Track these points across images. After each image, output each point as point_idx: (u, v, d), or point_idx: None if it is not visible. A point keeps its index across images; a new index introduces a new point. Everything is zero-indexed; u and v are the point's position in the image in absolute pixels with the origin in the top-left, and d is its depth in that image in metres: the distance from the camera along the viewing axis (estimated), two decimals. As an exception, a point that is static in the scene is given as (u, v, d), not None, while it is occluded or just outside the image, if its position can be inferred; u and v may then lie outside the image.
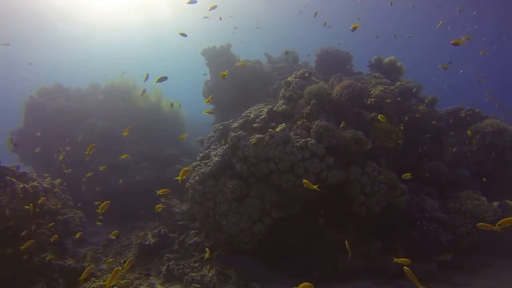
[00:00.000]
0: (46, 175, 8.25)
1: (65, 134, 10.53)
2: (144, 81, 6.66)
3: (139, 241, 7.57)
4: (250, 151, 5.88)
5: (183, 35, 7.69)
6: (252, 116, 6.50)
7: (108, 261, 7.26)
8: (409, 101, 8.74)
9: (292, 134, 5.97)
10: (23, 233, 5.49)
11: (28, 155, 10.94)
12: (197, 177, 6.63)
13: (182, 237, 7.66)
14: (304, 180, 4.91)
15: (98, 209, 5.35)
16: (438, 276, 6.26)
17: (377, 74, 9.54)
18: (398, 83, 8.79)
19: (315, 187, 4.85)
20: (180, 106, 12.97)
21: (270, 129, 5.93)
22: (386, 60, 9.46)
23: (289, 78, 7.35)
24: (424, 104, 9.42)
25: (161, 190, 5.85)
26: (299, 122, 6.23)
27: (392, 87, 8.53)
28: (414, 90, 9.00)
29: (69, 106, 11.04)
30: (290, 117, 6.63)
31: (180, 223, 8.18)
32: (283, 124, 6.05)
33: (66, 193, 7.34)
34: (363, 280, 6.24)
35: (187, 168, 6.16)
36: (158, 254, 7.40)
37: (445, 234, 6.45)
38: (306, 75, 7.05)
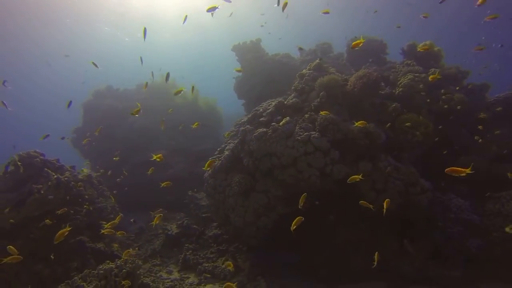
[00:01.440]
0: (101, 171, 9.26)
1: (111, 132, 11.59)
2: (166, 81, 6.94)
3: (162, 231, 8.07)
4: (254, 145, 5.91)
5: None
6: (261, 110, 6.50)
7: (136, 247, 7.89)
8: (447, 90, 7.95)
9: (297, 128, 5.85)
10: (59, 212, 6.18)
11: (86, 150, 12.28)
12: (210, 170, 6.85)
13: (202, 228, 7.98)
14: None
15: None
16: (463, 284, 5.65)
17: (409, 62, 8.83)
18: (432, 69, 8.04)
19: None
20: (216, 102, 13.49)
21: (274, 123, 5.89)
22: (420, 45, 8.67)
23: (304, 70, 7.18)
24: (467, 92, 8.52)
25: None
26: (307, 115, 6.07)
27: (423, 75, 7.84)
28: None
29: (115, 106, 12.13)
30: (300, 110, 6.49)
31: (204, 215, 8.51)
32: (287, 117, 5.96)
33: (102, 184, 8.08)
34: (376, 282, 5.90)
35: (212, 160, 6.41)
36: (180, 244, 7.82)
37: (474, 238, 5.77)
38: (317, 60, 6.79)
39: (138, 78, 15.03)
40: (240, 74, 10.98)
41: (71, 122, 12.85)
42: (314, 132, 5.64)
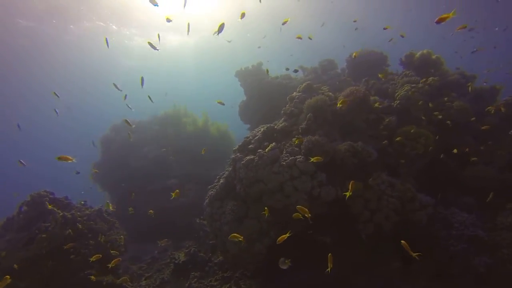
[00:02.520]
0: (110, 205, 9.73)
1: (125, 163, 12.12)
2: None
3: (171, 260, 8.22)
4: (242, 173, 6.00)
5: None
6: (250, 137, 6.61)
7: (145, 278, 8.09)
8: (449, 97, 7.68)
9: (284, 153, 5.89)
10: (66, 247, 6.54)
11: (104, 183, 12.91)
12: (207, 199, 6.98)
13: (209, 256, 8.06)
14: (298, 207, 4.77)
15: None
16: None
17: (407, 72, 8.65)
18: (430, 78, 7.82)
19: (305, 213, 4.68)
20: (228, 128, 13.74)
21: (260, 150, 5.96)
22: (417, 54, 8.50)
23: (294, 93, 7.25)
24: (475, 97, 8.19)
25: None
26: (294, 139, 6.09)
27: (420, 85, 7.65)
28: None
29: (126, 138, 12.71)
30: (289, 134, 6.53)
31: (211, 242, 8.60)
32: (273, 143, 6.01)
33: (113, 217, 8.44)
34: (378, 305, 5.65)
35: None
36: (188, 272, 7.92)
37: (480, 256, 5.41)
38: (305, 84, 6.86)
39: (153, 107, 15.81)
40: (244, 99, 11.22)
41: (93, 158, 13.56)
42: (300, 156, 5.64)
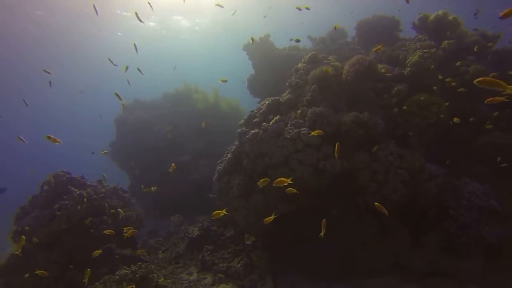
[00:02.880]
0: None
1: (140, 142, 12.36)
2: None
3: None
4: (247, 147, 6.00)
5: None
6: (255, 110, 6.55)
7: (162, 251, 8.43)
8: (465, 61, 7.28)
9: (289, 125, 5.82)
10: (86, 222, 6.87)
11: (121, 162, 13.27)
12: (216, 174, 7.06)
13: (221, 229, 8.26)
14: (277, 180, 4.74)
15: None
16: (484, 278, 5.20)
17: (421, 37, 8.22)
18: (445, 42, 7.41)
19: (288, 181, 4.65)
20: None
21: (264, 123, 5.91)
22: (431, 16, 8.01)
23: (299, 64, 7.06)
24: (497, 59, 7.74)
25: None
26: (299, 111, 5.99)
27: (433, 50, 7.26)
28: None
29: (141, 117, 12.87)
30: (295, 106, 6.42)
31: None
32: (277, 116, 5.93)
33: (127, 193, 8.72)
34: (386, 277, 5.67)
35: None
36: (201, 246, 8.17)
37: (492, 226, 5.28)
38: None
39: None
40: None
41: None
42: (304, 129, 5.56)
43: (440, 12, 7.96)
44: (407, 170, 5.68)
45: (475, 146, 6.61)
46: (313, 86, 6.11)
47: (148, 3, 10.08)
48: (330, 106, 6.04)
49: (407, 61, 7.52)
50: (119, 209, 7.63)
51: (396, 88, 6.57)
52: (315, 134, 5.23)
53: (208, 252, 7.64)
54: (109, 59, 8.32)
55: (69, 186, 7.28)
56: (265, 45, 10.60)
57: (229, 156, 6.80)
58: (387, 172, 5.58)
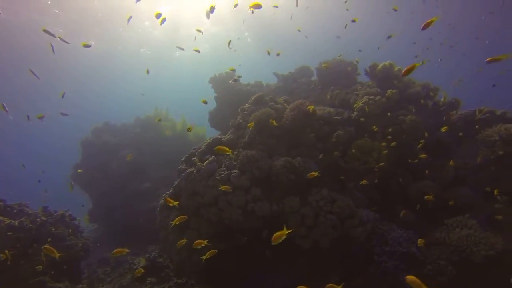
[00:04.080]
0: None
1: (104, 165, 12.36)
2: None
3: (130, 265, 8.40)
4: (183, 184, 6.11)
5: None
6: (196, 149, 6.71)
7: (104, 283, 8.29)
8: (404, 111, 7.64)
9: (222, 166, 5.98)
10: (6, 254, 6.63)
11: (84, 185, 13.18)
12: (158, 207, 7.11)
13: (167, 261, 8.20)
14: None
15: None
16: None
17: (371, 83, 8.64)
18: (389, 91, 7.80)
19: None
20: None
21: (199, 163, 6.06)
22: (380, 66, 8.44)
23: (246, 105, 7.31)
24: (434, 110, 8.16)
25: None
26: (235, 153, 6.17)
27: (377, 97, 7.62)
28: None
29: (108, 141, 12.94)
30: (234, 147, 6.59)
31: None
32: (212, 157, 6.10)
33: (74, 220, 8.64)
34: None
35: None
36: (145, 278, 8.08)
37: (408, 272, 5.41)
38: (234, 78, 7.01)
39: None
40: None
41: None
42: (235, 171, 5.72)
43: (387, 62, 8.40)
44: (338, 215, 5.83)
45: (408, 192, 6.84)
46: (251, 129, 6.32)
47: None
48: (267, 149, 6.25)
49: (354, 106, 7.87)
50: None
51: (336, 133, 6.82)
52: (244, 177, 5.39)
53: (150, 285, 7.56)
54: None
55: None
56: (229, 78, 10.92)
57: (170, 191, 6.88)
58: (316, 216, 5.71)
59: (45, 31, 7.68)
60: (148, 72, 10.22)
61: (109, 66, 29.58)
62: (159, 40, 23.47)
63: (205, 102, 8.36)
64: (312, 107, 6.29)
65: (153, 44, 24.75)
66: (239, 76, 8.98)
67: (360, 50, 12.82)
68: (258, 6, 6.68)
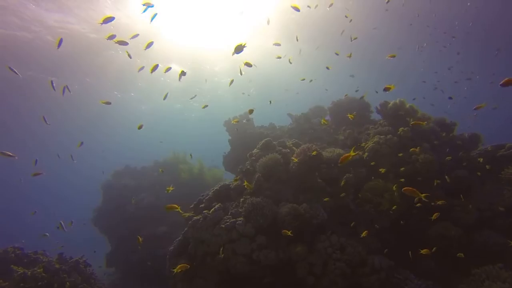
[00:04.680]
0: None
1: (123, 208, 12.59)
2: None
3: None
4: (190, 232, 6.10)
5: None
6: (204, 196, 6.75)
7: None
8: (421, 147, 7.42)
9: (229, 214, 5.95)
10: None
11: (103, 228, 13.40)
12: (168, 254, 7.07)
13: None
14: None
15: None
16: None
17: (382, 121, 8.54)
18: (401, 129, 7.66)
19: None
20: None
21: (205, 211, 6.06)
22: (390, 104, 8.37)
23: (254, 150, 7.37)
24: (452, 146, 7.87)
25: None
26: (242, 200, 6.15)
27: (388, 136, 7.49)
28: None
29: (127, 184, 13.28)
30: (242, 193, 6.58)
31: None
32: (218, 204, 6.10)
33: (89, 266, 8.71)
34: None
35: None
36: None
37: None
38: (244, 121, 7.05)
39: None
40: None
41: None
42: (240, 219, 5.67)
43: (397, 100, 8.35)
44: (348, 262, 5.56)
45: (426, 235, 6.46)
46: (257, 175, 6.33)
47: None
48: (274, 195, 6.19)
49: (366, 146, 7.76)
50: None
51: (345, 176, 6.69)
52: (249, 225, 5.33)
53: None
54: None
55: (12, 266, 7.34)
56: (243, 122, 11.15)
57: (179, 237, 6.86)
58: (325, 265, 5.48)
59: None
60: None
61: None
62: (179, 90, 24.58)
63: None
64: (315, 152, 6.25)
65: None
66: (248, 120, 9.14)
67: (376, 92, 12.81)
68: (249, 65, 7.04)
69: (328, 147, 8.49)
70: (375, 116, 9.89)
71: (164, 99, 9.04)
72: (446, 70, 19.08)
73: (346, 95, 10.11)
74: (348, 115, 7.78)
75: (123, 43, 6.75)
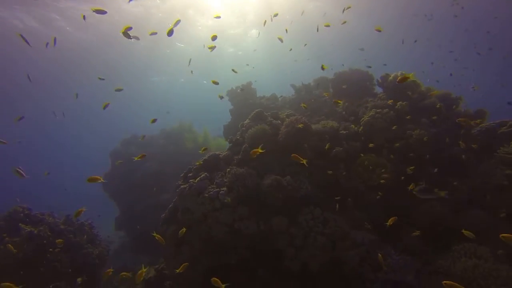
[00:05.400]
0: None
1: (130, 175, 13.01)
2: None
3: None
4: (177, 200, 6.25)
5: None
6: (193, 165, 6.83)
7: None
8: (413, 124, 7.17)
9: (214, 184, 6.03)
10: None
11: (111, 193, 13.96)
12: (161, 221, 7.33)
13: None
14: None
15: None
16: None
17: (381, 95, 8.25)
18: (398, 103, 7.38)
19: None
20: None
21: (191, 180, 6.16)
22: (391, 76, 8.02)
23: (246, 120, 7.32)
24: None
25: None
26: (228, 170, 6.19)
27: (385, 111, 7.25)
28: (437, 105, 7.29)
29: (133, 153, 13.58)
30: (231, 163, 6.62)
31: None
32: (204, 174, 6.17)
33: (93, 229, 9.17)
34: None
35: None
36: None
37: (405, 303, 5.02)
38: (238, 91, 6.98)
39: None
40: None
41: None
42: (224, 189, 5.74)
43: (398, 73, 7.98)
44: (329, 236, 5.61)
45: (414, 212, 6.36)
46: (244, 146, 6.32)
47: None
48: (261, 167, 6.20)
49: (361, 120, 7.55)
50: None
51: (334, 149, 6.59)
52: (232, 195, 5.40)
53: (153, 297, 7.78)
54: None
55: (20, 224, 7.79)
56: (245, 92, 11.01)
57: (170, 205, 7.06)
58: (305, 237, 5.54)
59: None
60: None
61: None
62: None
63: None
64: (302, 124, 6.13)
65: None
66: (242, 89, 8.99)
67: (385, 64, 12.25)
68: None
69: (326, 119, 8.34)
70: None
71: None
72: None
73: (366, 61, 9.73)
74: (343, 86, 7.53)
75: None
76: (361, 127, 7.40)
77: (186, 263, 5.27)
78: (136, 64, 25.32)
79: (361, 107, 8.28)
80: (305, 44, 16.77)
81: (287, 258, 5.62)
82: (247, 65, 14.89)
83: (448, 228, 5.96)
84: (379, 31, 8.97)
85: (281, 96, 10.89)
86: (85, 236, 8.84)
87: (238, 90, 9.52)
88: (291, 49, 16.71)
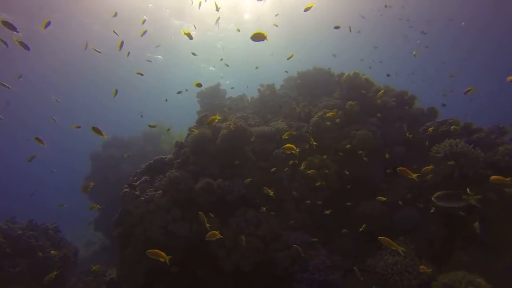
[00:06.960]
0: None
1: (106, 178, 13.24)
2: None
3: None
4: (121, 203, 6.42)
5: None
6: (138, 169, 6.99)
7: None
8: (360, 124, 7.20)
9: (154, 186, 6.18)
10: None
11: (91, 196, 14.22)
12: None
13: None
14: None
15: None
16: None
17: (336, 94, 8.27)
18: (349, 103, 7.42)
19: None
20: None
21: (132, 183, 6.32)
22: (344, 76, 8.05)
23: (193, 124, 7.44)
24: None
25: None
26: (168, 173, 6.33)
27: (333, 111, 7.30)
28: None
29: (111, 154, 13.84)
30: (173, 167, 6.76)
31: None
32: (145, 177, 6.32)
33: (58, 233, 9.39)
34: None
35: None
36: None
37: (327, 303, 5.11)
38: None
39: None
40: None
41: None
42: (160, 191, 5.89)
43: (351, 72, 8.00)
44: (261, 238, 5.72)
45: (354, 213, 6.43)
46: (183, 150, 6.45)
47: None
48: (200, 170, 6.33)
49: (311, 120, 7.61)
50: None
51: (274, 151, 6.67)
52: (166, 198, 5.54)
53: (110, 296, 7.98)
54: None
55: None
56: (213, 94, 11.13)
57: (120, 209, 7.23)
58: (236, 239, 5.65)
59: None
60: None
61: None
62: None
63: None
64: (235, 126, 6.22)
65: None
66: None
67: (361, 60, 12.16)
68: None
69: (284, 120, 8.43)
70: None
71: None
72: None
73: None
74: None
75: None
76: (311, 128, 7.46)
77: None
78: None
79: (316, 107, 8.33)
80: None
81: (220, 259, 5.75)
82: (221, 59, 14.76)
83: (385, 228, 6.02)
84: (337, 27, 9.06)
85: (252, 97, 10.96)
86: (48, 241, 9.03)
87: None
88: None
